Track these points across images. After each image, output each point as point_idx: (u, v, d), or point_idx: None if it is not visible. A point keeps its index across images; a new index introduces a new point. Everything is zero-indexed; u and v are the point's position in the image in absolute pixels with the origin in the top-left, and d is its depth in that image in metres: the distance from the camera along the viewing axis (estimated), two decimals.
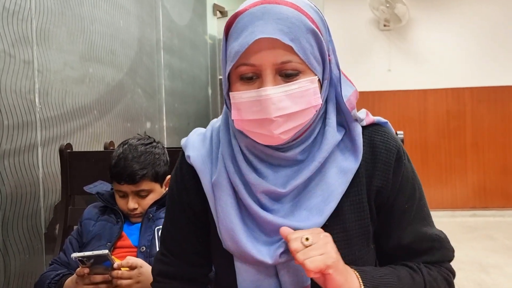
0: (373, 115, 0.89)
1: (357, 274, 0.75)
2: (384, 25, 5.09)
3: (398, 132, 1.40)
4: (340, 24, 5.13)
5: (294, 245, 0.71)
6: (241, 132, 0.80)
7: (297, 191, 0.79)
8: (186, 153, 0.88)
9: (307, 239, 0.71)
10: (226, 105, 0.82)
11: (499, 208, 4.97)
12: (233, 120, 0.79)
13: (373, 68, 5.12)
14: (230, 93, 0.77)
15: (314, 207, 0.77)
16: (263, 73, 0.73)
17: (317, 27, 0.75)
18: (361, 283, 0.74)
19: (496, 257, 3.49)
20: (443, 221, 4.49)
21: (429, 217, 0.86)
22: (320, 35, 0.75)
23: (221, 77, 4.20)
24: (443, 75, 5.05)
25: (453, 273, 0.85)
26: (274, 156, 0.79)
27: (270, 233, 0.78)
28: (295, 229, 0.76)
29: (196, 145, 0.88)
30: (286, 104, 0.73)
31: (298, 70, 0.73)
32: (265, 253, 0.77)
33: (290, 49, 0.72)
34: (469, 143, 5.05)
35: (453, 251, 0.86)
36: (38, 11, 1.56)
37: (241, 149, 0.81)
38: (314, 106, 0.75)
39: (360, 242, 0.81)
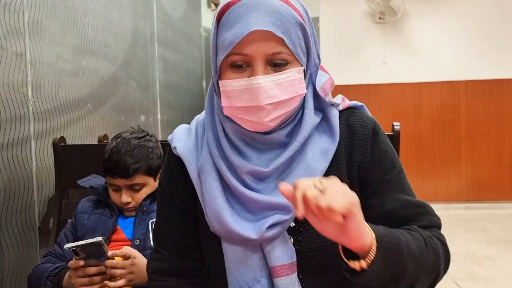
0: (368, 108, 0.94)
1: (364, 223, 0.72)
2: (379, 18, 5.07)
3: (394, 123, 1.41)
4: (335, 16, 5.12)
5: (310, 192, 0.63)
6: (228, 118, 0.83)
7: (280, 171, 0.83)
8: (172, 145, 0.92)
9: (321, 182, 0.65)
10: (215, 92, 0.85)
11: (492, 201, 5.00)
12: (221, 107, 0.82)
13: (368, 61, 5.12)
14: (220, 81, 0.80)
15: None
16: (254, 63, 0.76)
17: (304, 20, 0.79)
18: (371, 230, 0.71)
19: (489, 249, 3.53)
20: (437, 213, 4.51)
21: (410, 189, 0.88)
22: (306, 28, 0.79)
23: None
24: (438, 68, 5.05)
25: (444, 237, 0.85)
26: (260, 139, 0.83)
27: (256, 211, 0.82)
28: (279, 204, 0.79)
29: (181, 137, 0.92)
30: (276, 93, 0.77)
31: (287, 60, 0.77)
32: (251, 230, 0.80)
33: (281, 41, 0.76)
34: (463, 136, 5.07)
35: (439, 218, 0.87)
36: (30, 3, 1.54)
37: (226, 134, 0.85)
38: (300, 95, 0.80)
39: None
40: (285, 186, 0.66)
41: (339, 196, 0.64)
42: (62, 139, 1.63)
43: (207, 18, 4.12)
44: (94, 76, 2.00)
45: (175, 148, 0.90)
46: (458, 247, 3.55)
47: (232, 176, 0.82)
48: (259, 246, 0.82)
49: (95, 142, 1.93)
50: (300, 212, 0.63)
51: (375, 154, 0.86)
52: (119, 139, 1.32)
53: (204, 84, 3.92)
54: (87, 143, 1.90)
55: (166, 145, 1.42)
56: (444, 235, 0.87)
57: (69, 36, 1.80)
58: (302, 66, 0.79)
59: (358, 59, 5.10)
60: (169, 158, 0.94)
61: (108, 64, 2.15)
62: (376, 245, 0.70)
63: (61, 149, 1.60)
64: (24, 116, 1.51)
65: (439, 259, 0.80)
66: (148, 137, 1.36)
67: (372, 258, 0.70)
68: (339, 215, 0.63)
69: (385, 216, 0.83)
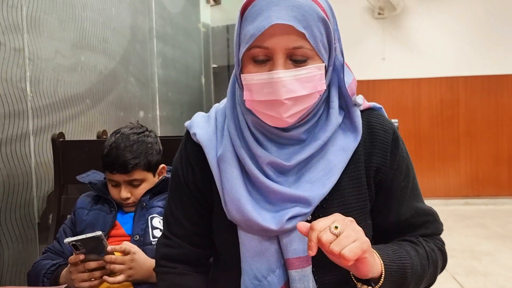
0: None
1: (375, 251, 0.78)
2: (379, 14, 5.07)
3: (392, 120, 1.42)
4: (335, 11, 5.10)
5: (325, 236, 0.68)
6: (249, 111, 0.84)
7: (300, 166, 0.84)
8: (191, 131, 0.91)
9: (336, 227, 0.69)
10: (238, 84, 0.85)
11: (491, 197, 5.02)
12: (243, 100, 0.83)
13: (367, 56, 5.11)
14: (242, 75, 0.81)
15: (317, 181, 0.83)
16: (275, 57, 0.77)
17: (327, 16, 0.80)
18: (380, 260, 0.77)
19: (487, 245, 3.54)
20: (436, 209, 4.50)
21: (421, 194, 0.93)
22: (329, 24, 0.80)
23: (214, 65, 4.18)
24: (437, 64, 5.05)
25: (444, 244, 0.93)
26: (279, 135, 0.84)
27: (276, 202, 0.83)
28: (300, 197, 0.81)
29: (201, 124, 0.92)
30: (295, 88, 0.77)
31: (308, 56, 0.78)
32: (270, 220, 0.81)
33: (302, 36, 0.76)
34: (462, 132, 5.08)
35: (442, 225, 0.94)
36: None
37: (248, 125, 0.85)
38: (319, 91, 0.80)
39: (358, 215, 0.86)
40: (302, 224, 0.72)
41: (352, 243, 0.68)
42: (61, 135, 1.62)
43: (206, 14, 4.10)
44: (92, 72, 2.00)
45: (194, 134, 0.90)
46: (456, 242, 3.57)
47: (254, 165, 0.83)
48: (275, 237, 0.83)
49: (94, 138, 1.93)
50: (313, 253, 0.69)
51: (395, 160, 0.88)
52: (118, 135, 1.32)
53: (203, 80, 3.91)
54: (86, 139, 1.89)
55: (165, 141, 1.43)
56: (443, 231, 0.94)
57: (67, 31, 1.79)
58: (323, 62, 0.80)
59: (357, 54, 5.09)
60: (185, 145, 0.93)
61: (107, 60, 2.14)
62: (384, 275, 0.77)
63: (60, 145, 1.60)
64: (23, 112, 1.50)
65: (437, 271, 0.89)
66: (147, 133, 1.36)
67: (380, 285, 0.77)
68: (351, 261, 0.68)
69: (398, 223, 0.89)
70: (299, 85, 0.77)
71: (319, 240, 0.68)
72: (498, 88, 5.01)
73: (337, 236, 0.68)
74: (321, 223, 0.70)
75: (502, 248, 3.44)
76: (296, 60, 0.77)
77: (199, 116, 0.95)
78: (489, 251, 3.39)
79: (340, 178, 0.83)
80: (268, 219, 0.81)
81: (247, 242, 0.83)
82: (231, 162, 0.84)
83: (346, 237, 0.68)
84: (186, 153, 0.93)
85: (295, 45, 0.76)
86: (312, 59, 0.78)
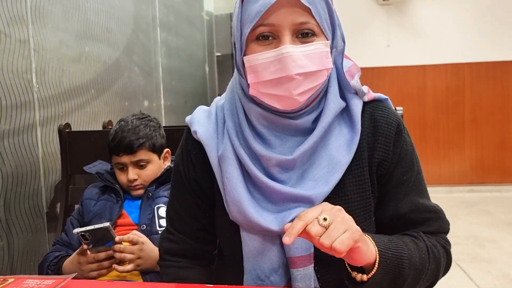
0: (372, 91, 0.92)
1: (369, 237, 0.75)
2: (384, 0, 5.01)
3: (397, 108, 1.41)
4: None
5: (314, 229, 0.65)
6: (252, 102, 0.82)
7: (303, 162, 0.82)
8: (192, 129, 0.90)
9: (325, 219, 0.66)
10: (239, 72, 0.83)
11: (496, 184, 5.01)
12: (246, 90, 0.80)
13: (372, 43, 5.07)
14: (246, 56, 0.78)
15: (320, 178, 0.80)
16: (282, 33, 0.75)
17: None
18: (375, 246, 0.75)
19: (491, 232, 3.54)
20: (441, 196, 4.53)
21: (426, 191, 0.89)
22: (331, 5, 0.79)
23: (218, 54, 4.17)
24: (442, 50, 5.01)
25: (449, 244, 0.88)
26: (285, 124, 0.81)
27: (278, 202, 0.81)
28: (302, 197, 0.78)
29: (201, 121, 0.90)
30: (305, 63, 0.75)
31: (314, 32, 0.76)
32: (272, 221, 0.79)
33: (308, 11, 0.75)
34: (467, 119, 5.05)
35: (448, 224, 0.89)
36: None
37: (249, 121, 0.83)
38: (327, 69, 0.78)
39: (361, 214, 0.84)
40: (288, 226, 0.68)
41: (343, 234, 0.66)
42: (67, 125, 1.64)
43: (209, 2, 4.08)
44: (97, 62, 2.00)
45: (195, 132, 0.88)
46: (460, 229, 3.57)
47: (255, 165, 0.81)
48: (277, 237, 0.81)
49: (100, 128, 1.94)
50: (290, 241, 0.65)
51: (396, 153, 0.85)
52: (122, 122, 1.37)
53: (207, 68, 3.90)
54: (92, 129, 1.91)
55: (170, 130, 1.44)
56: (447, 218, 0.89)
57: (71, 21, 1.79)
58: (328, 40, 0.78)
59: (362, 41, 5.05)
60: (186, 141, 0.92)
61: (111, 50, 2.14)
62: (378, 261, 0.74)
63: (67, 135, 1.61)
64: (29, 103, 1.52)
65: (439, 268, 0.84)
66: (149, 118, 1.41)
67: (373, 273, 0.74)
68: (343, 253, 0.66)
69: (396, 218, 0.86)
70: (308, 61, 0.75)
71: (308, 234, 0.66)
72: (503, 75, 4.96)
73: (326, 228, 0.66)
74: (309, 213, 0.67)
75: (506, 235, 3.45)
76: (304, 33, 0.75)
77: (199, 112, 0.93)
78: (493, 238, 3.39)
79: (343, 175, 0.81)
80: (270, 220, 0.79)
81: (250, 242, 0.82)
82: (232, 162, 0.82)
83: (336, 229, 0.66)
84: (187, 150, 0.92)
85: (302, 20, 0.74)
86: (318, 37, 0.77)
